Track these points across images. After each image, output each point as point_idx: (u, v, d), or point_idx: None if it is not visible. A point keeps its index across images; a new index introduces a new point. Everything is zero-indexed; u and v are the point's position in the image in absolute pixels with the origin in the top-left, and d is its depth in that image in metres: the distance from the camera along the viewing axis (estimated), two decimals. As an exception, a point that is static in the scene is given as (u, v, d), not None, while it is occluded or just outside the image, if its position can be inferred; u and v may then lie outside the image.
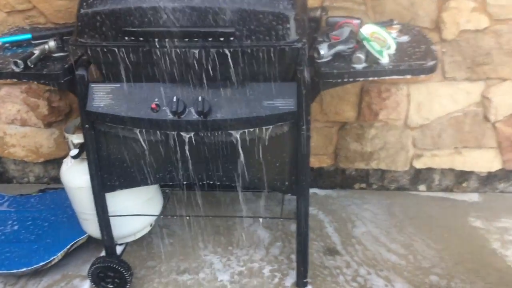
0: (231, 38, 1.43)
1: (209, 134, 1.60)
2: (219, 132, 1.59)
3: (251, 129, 1.59)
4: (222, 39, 1.43)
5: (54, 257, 1.93)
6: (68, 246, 1.96)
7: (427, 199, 2.38)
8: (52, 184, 2.56)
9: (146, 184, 1.73)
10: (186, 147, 1.63)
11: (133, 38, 1.46)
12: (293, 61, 1.55)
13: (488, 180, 2.37)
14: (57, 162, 2.48)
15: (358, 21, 1.75)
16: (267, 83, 1.55)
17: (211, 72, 1.53)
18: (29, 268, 1.90)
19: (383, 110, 2.19)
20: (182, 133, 1.60)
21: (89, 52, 1.55)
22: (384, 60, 1.51)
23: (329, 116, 2.24)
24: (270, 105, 1.54)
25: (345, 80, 1.51)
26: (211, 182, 1.71)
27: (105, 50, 1.51)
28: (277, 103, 1.54)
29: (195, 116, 1.55)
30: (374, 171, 2.39)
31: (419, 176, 2.38)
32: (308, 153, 1.63)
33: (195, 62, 1.51)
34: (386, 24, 1.75)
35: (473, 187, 2.39)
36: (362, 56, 1.49)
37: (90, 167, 1.70)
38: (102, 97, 1.60)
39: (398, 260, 2.01)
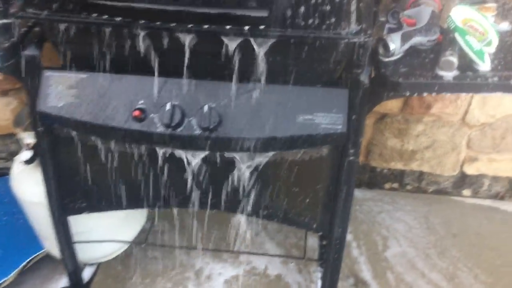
0: (261, 27, 0.91)
1: (216, 155, 1.13)
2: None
3: (277, 152, 1.11)
4: (246, 27, 0.91)
5: (5, 278, 1.49)
6: (23, 263, 1.52)
7: (472, 209, 1.95)
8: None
9: (123, 208, 1.26)
10: (185, 169, 1.16)
11: (106, 15, 0.94)
12: (345, 58, 1.04)
13: (548, 189, 1.94)
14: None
15: (435, -7, 1.22)
16: (304, 87, 1.05)
17: (224, 69, 1.03)
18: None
19: (438, 101, 1.69)
20: (177, 152, 1.12)
21: (42, 26, 1.02)
22: (485, 66, 1.01)
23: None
24: (308, 121, 1.05)
25: (424, 93, 1.02)
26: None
27: (67, 26, 0.99)
28: (318, 119, 1.05)
29: (197, 132, 1.06)
30: (411, 171, 1.94)
31: (465, 179, 1.94)
32: (353, 185, 1.16)
33: (200, 54, 1.00)
34: (477, 0, 1.22)
35: (528, 196, 1.97)
36: (454, 60, 0.98)
37: (47, 183, 1.22)
38: (61, 92, 1.08)
39: (440, 296, 1.62)
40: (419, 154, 1.85)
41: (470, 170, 1.88)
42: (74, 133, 1.14)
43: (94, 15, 0.95)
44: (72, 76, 1.08)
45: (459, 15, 1.07)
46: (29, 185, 1.34)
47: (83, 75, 1.08)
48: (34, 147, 1.28)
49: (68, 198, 1.25)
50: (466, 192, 1.98)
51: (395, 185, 2.00)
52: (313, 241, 1.71)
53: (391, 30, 1.13)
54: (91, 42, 1.02)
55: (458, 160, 1.85)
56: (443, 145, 1.82)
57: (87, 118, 1.07)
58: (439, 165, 1.87)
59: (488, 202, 1.99)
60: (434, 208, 1.95)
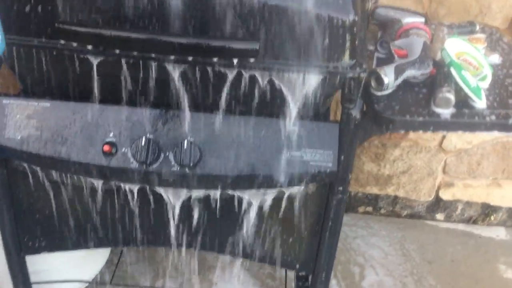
0: (251, 60, 0.83)
1: (194, 192, 1.03)
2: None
3: (261, 191, 1.03)
4: (235, 60, 0.82)
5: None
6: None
7: (446, 234, 1.93)
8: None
9: (88, 247, 1.14)
10: (159, 205, 1.05)
11: (74, 42, 0.83)
12: (335, 91, 0.97)
13: (519, 212, 1.94)
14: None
15: (422, 20, 1.18)
16: (291, 120, 0.97)
17: (205, 99, 0.94)
18: None
19: (416, 128, 1.66)
20: (151, 188, 1.02)
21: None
22: (482, 103, 0.96)
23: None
24: (296, 158, 0.97)
25: (419, 131, 0.96)
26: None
27: (25, 48, 0.88)
28: (307, 156, 0.97)
29: (175, 168, 0.97)
30: (386, 195, 1.90)
31: (439, 204, 1.92)
32: (340, 224, 1.09)
33: (180, 83, 0.90)
34: (465, 30, 1.18)
35: (500, 220, 1.96)
36: (451, 97, 0.93)
37: (2, 219, 1.09)
38: (20, 122, 0.96)
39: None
40: (395, 179, 1.81)
41: (445, 195, 1.85)
42: (34, 167, 1.01)
43: (60, 41, 0.84)
44: (33, 105, 0.96)
45: (453, 48, 1.02)
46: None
47: (45, 104, 0.96)
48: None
49: (26, 236, 1.12)
50: (440, 216, 1.96)
51: (369, 208, 1.96)
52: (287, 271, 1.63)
53: (381, 61, 1.07)
54: (55, 67, 0.91)
55: (434, 186, 1.83)
56: (419, 170, 1.78)
57: (50, 152, 0.95)
58: (415, 190, 1.83)
59: (461, 227, 1.97)
60: (409, 233, 1.92)
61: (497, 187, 1.82)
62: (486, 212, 1.94)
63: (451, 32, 1.15)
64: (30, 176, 1.03)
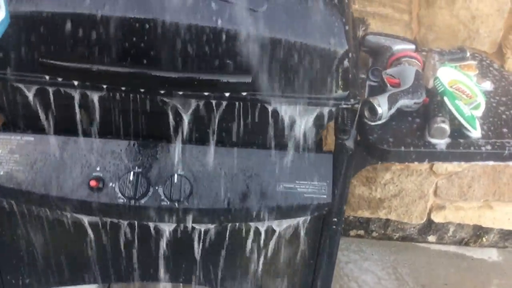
0: (243, 94, 0.81)
1: (185, 226, 1.00)
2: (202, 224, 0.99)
3: (254, 224, 1.00)
4: (227, 93, 0.80)
5: None
6: None
7: (439, 256, 1.91)
8: None
9: (75, 284, 1.10)
10: (146, 240, 1.02)
11: (60, 78, 0.80)
12: (329, 121, 0.95)
13: (511, 234, 1.93)
14: None
15: (413, 47, 1.17)
16: (285, 152, 0.95)
17: (196, 131, 0.91)
18: None
19: (406, 151, 1.65)
20: (140, 223, 0.98)
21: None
22: (477, 132, 0.95)
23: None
24: (290, 190, 0.95)
25: (414, 162, 0.94)
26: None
27: (4, 85, 0.85)
28: (301, 188, 0.95)
29: (164, 203, 0.93)
30: (378, 218, 1.88)
31: (431, 226, 1.90)
32: (335, 255, 1.07)
33: (170, 116, 0.88)
34: (455, 57, 1.17)
35: (492, 241, 1.95)
36: (447, 127, 0.92)
37: (-17, 257, 1.05)
38: (1, 157, 0.93)
39: None
40: (386, 202, 1.79)
41: (437, 218, 1.84)
42: (18, 204, 0.97)
43: (44, 76, 0.81)
44: (15, 139, 0.92)
45: (445, 76, 1.01)
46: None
47: (28, 138, 0.93)
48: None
49: (9, 273, 1.08)
50: (432, 238, 1.94)
51: (361, 232, 1.93)
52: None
53: (373, 89, 1.06)
54: (38, 101, 0.88)
55: (425, 208, 1.81)
56: (411, 193, 1.77)
57: (34, 188, 0.91)
58: (407, 213, 1.82)
59: (453, 249, 1.96)
60: (401, 256, 1.89)
61: (489, 209, 1.81)
62: (478, 233, 1.93)
63: (442, 59, 1.14)
64: (13, 212, 0.99)
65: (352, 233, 1.93)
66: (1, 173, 0.92)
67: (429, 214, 1.84)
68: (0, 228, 1.01)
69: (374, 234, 1.93)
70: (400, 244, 1.95)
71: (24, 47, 0.81)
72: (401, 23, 1.41)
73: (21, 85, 0.85)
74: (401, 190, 1.76)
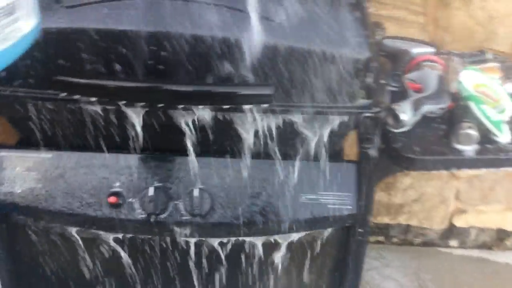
0: (264, 105, 0.79)
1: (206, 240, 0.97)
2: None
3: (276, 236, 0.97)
4: (247, 106, 0.78)
5: None
6: None
7: (462, 261, 1.87)
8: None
9: (97, 301, 1.09)
10: (168, 255, 1.00)
11: (75, 95, 0.78)
12: (351, 130, 0.93)
13: (535, 236, 1.89)
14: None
15: (432, 50, 1.14)
16: (308, 162, 0.92)
17: (216, 144, 0.89)
18: None
19: (426, 155, 1.62)
20: (160, 238, 0.97)
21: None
22: (504, 137, 0.92)
23: (349, 157, 1.65)
24: (313, 201, 0.92)
25: (441, 170, 0.92)
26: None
27: (21, 102, 0.83)
28: (324, 199, 0.92)
29: (185, 217, 0.91)
30: (398, 224, 1.84)
31: (453, 230, 1.86)
32: (361, 268, 1.04)
33: (189, 129, 0.86)
34: (476, 59, 1.14)
35: (515, 244, 1.91)
36: (474, 133, 0.89)
37: (2, 276, 1.03)
38: (18, 175, 0.91)
39: None
40: (406, 208, 1.76)
41: (459, 222, 1.80)
42: (36, 222, 0.96)
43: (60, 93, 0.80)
44: (32, 156, 0.91)
45: (469, 80, 0.98)
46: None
47: (45, 155, 0.91)
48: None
49: (27, 291, 1.07)
50: (454, 242, 1.90)
51: (381, 238, 1.90)
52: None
53: (394, 95, 1.03)
54: (56, 118, 0.86)
55: (447, 213, 1.77)
56: (431, 198, 1.73)
57: (51, 206, 0.90)
58: (428, 218, 1.78)
59: (476, 253, 1.91)
60: (423, 261, 1.85)
61: (511, 211, 1.77)
62: (500, 237, 1.88)
63: (462, 62, 1.11)
64: (32, 230, 0.97)
65: (372, 239, 1.90)
66: (19, 191, 0.91)
67: (450, 219, 1.80)
68: (17, 246, 1.00)
69: (395, 240, 1.90)
70: (422, 249, 1.91)
71: (40, 64, 0.80)
72: (416, 25, 1.38)
73: (37, 102, 0.84)
74: (422, 195, 1.73)
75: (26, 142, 0.94)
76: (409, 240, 1.89)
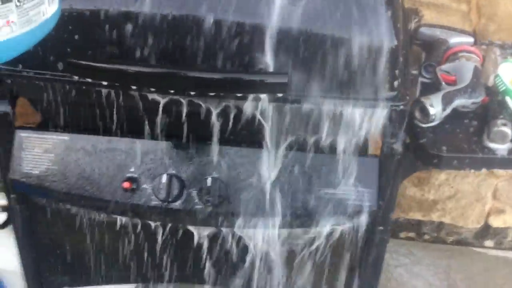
0: (278, 95, 0.75)
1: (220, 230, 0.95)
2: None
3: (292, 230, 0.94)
4: (262, 94, 0.75)
5: None
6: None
7: (497, 263, 1.78)
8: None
9: (111, 283, 1.09)
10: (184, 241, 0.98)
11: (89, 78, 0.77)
12: (375, 123, 0.88)
13: None
14: None
15: (471, 40, 1.07)
16: (327, 155, 0.88)
17: (232, 133, 0.86)
18: None
19: (463, 151, 1.54)
20: (173, 225, 0.95)
21: (14, 82, 0.86)
22: (543, 137, 0.85)
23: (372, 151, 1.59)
24: (332, 196, 0.88)
25: (470, 170, 0.85)
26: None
27: (41, 84, 0.83)
28: (343, 194, 0.88)
29: (198, 206, 0.90)
30: (430, 220, 1.77)
31: (488, 230, 1.78)
32: (381, 268, 1.00)
33: (204, 117, 0.83)
34: (519, 50, 1.06)
35: (557, 247, 1.80)
36: (509, 131, 0.82)
37: (22, 254, 1.05)
38: (37, 156, 0.92)
39: None
40: (440, 204, 1.68)
41: (496, 222, 1.71)
42: (53, 203, 0.97)
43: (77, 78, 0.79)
44: (51, 138, 0.91)
45: (507, 73, 0.91)
46: (4, 251, 1.16)
47: (63, 137, 0.91)
48: (8, 211, 1.11)
49: (47, 271, 1.08)
50: (489, 243, 1.81)
51: (412, 234, 1.83)
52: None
53: (426, 87, 0.97)
54: (75, 101, 0.86)
55: (483, 212, 1.69)
56: (467, 195, 1.65)
57: (67, 188, 0.90)
58: (462, 216, 1.70)
59: (513, 255, 1.83)
60: (455, 261, 1.78)
61: (554, 214, 1.67)
62: (541, 238, 1.78)
63: (504, 53, 1.03)
64: (50, 211, 0.98)
65: (402, 235, 1.84)
66: (37, 172, 0.91)
67: (486, 218, 1.71)
68: (36, 225, 1.01)
69: (426, 237, 1.83)
70: (454, 248, 1.83)
71: (62, 47, 0.79)
72: (458, 13, 1.30)
73: (58, 85, 0.84)
74: (457, 192, 1.65)
75: (46, 124, 0.94)
76: (442, 238, 1.82)
